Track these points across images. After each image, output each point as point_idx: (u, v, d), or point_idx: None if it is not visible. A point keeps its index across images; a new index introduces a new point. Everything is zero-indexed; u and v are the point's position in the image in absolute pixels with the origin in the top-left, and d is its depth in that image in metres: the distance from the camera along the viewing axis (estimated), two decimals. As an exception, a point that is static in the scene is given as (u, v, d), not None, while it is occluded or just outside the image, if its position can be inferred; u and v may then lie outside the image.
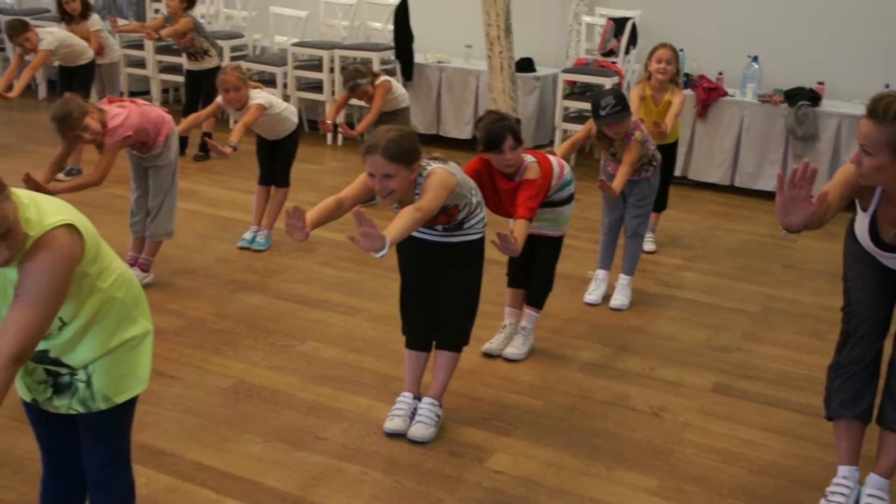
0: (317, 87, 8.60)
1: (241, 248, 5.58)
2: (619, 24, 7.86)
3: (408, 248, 3.51)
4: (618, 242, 5.01)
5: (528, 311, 4.30)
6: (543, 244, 4.16)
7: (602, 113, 4.45)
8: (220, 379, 3.95)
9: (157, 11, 9.63)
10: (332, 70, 8.36)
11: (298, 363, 4.14)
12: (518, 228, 3.66)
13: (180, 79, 8.56)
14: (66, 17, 7.52)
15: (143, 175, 4.92)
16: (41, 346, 2.20)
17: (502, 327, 4.34)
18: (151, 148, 4.78)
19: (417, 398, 3.63)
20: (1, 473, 3.22)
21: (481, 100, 7.98)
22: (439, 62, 8.33)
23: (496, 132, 3.74)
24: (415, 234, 3.39)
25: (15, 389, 2.36)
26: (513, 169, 3.83)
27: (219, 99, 5.33)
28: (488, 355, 4.25)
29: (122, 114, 4.58)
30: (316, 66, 8.53)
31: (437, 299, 3.53)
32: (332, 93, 8.38)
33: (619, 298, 4.91)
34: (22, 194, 2.07)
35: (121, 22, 7.95)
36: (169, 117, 4.89)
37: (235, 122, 5.57)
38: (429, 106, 8.37)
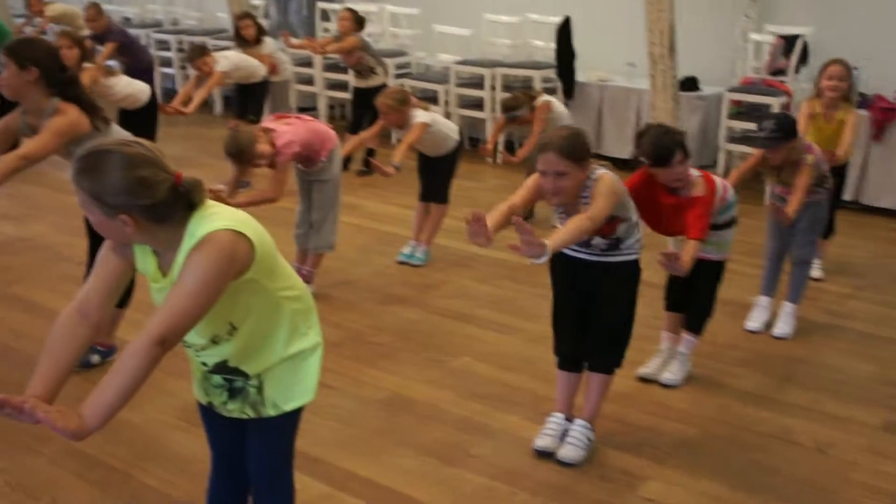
0: (478, 104, 8.68)
1: (400, 263, 5.69)
2: (788, 41, 7.59)
3: (563, 268, 3.49)
4: (782, 268, 4.83)
5: (686, 336, 4.20)
6: (704, 268, 4.04)
7: (760, 135, 4.31)
8: (375, 391, 4.04)
9: (326, 30, 9.96)
10: (493, 88, 8.43)
11: (452, 379, 4.18)
12: (689, 250, 3.58)
13: (347, 96, 8.82)
14: (241, 41, 7.91)
15: (308, 189, 5.10)
16: (219, 356, 2.31)
17: (659, 352, 4.25)
18: (315, 163, 4.95)
19: (569, 419, 3.61)
20: (169, 470, 3.39)
21: (643, 119, 7.86)
22: (601, 81, 8.27)
23: (665, 146, 3.66)
24: (570, 253, 3.37)
25: (191, 392, 2.51)
26: (681, 183, 3.75)
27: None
28: (643, 380, 4.17)
29: (289, 131, 4.77)
30: (478, 84, 8.61)
31: (590, 320, 3.49)
32: (493, 110, 8.44)
33: (783, 327, 4.72)
34: (209, 202, 2.17)
35: (292, 39, 8.27)
36: (333, 133, 5.06)
37: (398, 140, 5.69)
38: (590, 125, 8.30)
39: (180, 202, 2.08)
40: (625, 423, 3.81)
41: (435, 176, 5.72)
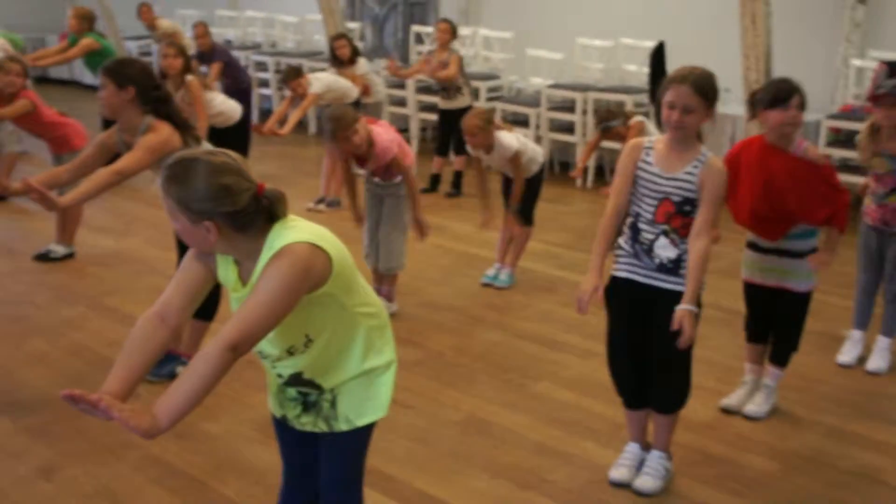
0: (569, 129, 8.65)
1: (484, 285, 5.69)
2: (892, 67, 7.35)
3: (618, 299, 3.31)
4: (875, 301, 4.65)
5: (771, 368, 4.08)
6: (788, 299, 3.91)
7: (883, 91, 4.09)
8: (452, 412, 4.03)
9: (419, 53, 10.06)
10: (584, 112, 8.38)
11: (531, 403, 4.14)
12: (833, 239, 3.64)
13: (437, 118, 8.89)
14: (336, 61, 8.05)
15: (378, 204, 5.08)
16: (295, 368, 2.34)
17: (743, 383, 4.14)
18: (394, 176, 4.97)
19: (645, 449, 3.53)
20: (246, 482, 3.44)
21: (737, 145, 7.72)
22: (695, 106, 8.13)
23: (785, 84, 3.66)
24: (635, 277, 3.26)
25: (266, 405, 2.55)
26: (791, 129, 3.67)
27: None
28: (726, 411, 4.06)
29: (384, 131, 4.85)
30: (569, 107, 8.58)
31: (647, 356, 3.33)
32: (584, 135, 8.40)
33: (877, 362, 4.55)
34: (294, 216, 2.22)
35: (402, 69, 8.39)
36: (411, 150, 5.10)
37: (488, 165, 5.70)
38: (682, 150, 8.18)
39: (262, 212, 2.14)
40: (705, 453, 3.72)
41: (519, 199, 5.70)
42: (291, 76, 7.36)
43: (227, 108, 6.89)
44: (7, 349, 4.53)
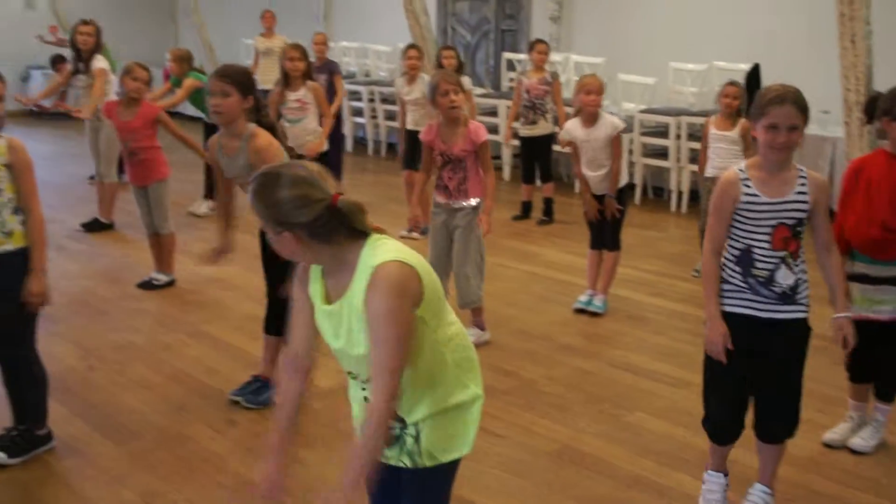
0: (662, 153, 8.55)
1: (577, 311, 5.65)
2: None
3: (740, 332, 3.16)
4: None
5: (879, 404, 3.93)
6: (894, 334, 3.78)
7: None
8: (545, 442, 4.00)
9: (510, 80, 10.09)
10: (678, 137, 8.28)
11: (624, 433, 4.08)
12: None
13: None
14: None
15: (445, 238, 5.01)
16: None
17: (847, 418, 3.99)
18: (468, 198, 4.94)
19: (725, 474, 3.43)
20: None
21: (837, 167, 7.51)
22: (792, 129, 7.95)
23: None
24: (754, 313, 3.13)
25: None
26: None
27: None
28: (830, 446, 3.93)
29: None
30: (662, 132, 8.49)
31: (751, 387, 3.23)
32: (678, 160, 8.29)
33: None
34: (384, 236, 2.25)
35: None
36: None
37: (580, 190, 5.67)
38: (779, 174, 8.01)
39: (340, 223, 2.18)
40: (808, 489, 3.60)
41: (606, 222, 5.65)
42: None
43: (315, 128, 7.01)
44: (111, 374, 4.67)
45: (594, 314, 5.58)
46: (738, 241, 3.14)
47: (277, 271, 4.02)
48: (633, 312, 5.64)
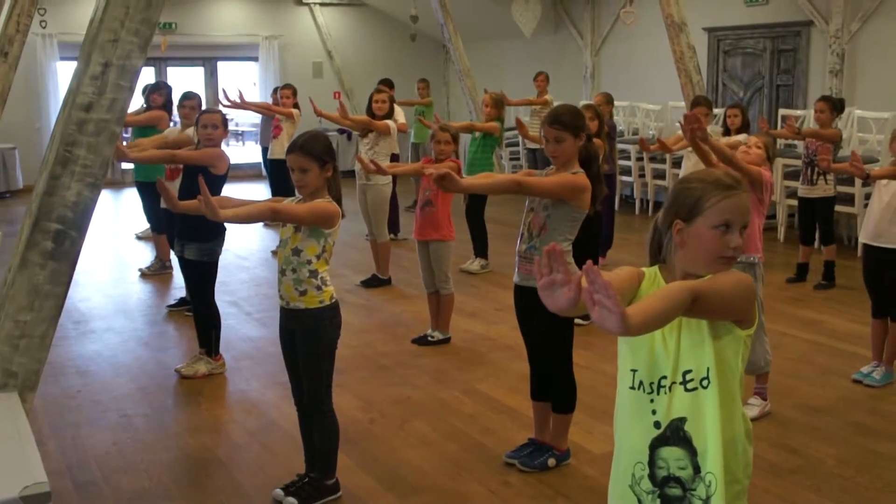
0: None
1: (854, 381, 5.32)
2: None
3: None
4: None
5: None
6: None
7: None
8: (837, 529, 3.75)
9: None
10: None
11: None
12: None
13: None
14: (725, 131, 7.97)
15: None
16: (682, 410, 2.15)
17: None
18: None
19: None
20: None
21: None
22: None
23: None
24: None
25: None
26: None
27: None
28: None
29: None
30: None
31: None
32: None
33: None
34: None
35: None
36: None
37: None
38: None
39: None
40: None
41: (886, 287, 5.27)
42: None
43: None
44: (392, 428, 4.87)
45: (870, 386, 5.20)
46: None
47: (556, 341, 4.04)
48: (931, 390, 5.20)
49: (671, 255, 2.26)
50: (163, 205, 6.06)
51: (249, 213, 3.83)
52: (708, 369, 2.13)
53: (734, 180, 2.23)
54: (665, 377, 2.17)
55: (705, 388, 2.13)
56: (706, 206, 2.18)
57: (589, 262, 1.77)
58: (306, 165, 3.77)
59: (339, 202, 3.87)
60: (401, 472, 4.33)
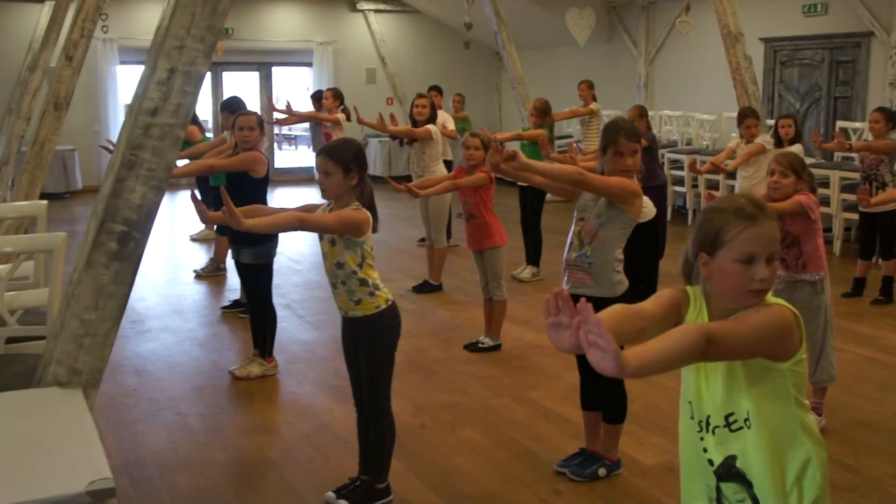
0: None
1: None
2: None
3: None
4: None
5: None
6: None
7: None
8: (894, 549, 3.69)
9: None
10: None
11: None
12: None
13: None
14: (778, 142, 7.92)
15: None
16: (731, 449, 2.16)
17: None
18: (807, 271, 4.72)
19: None
20: None
21: None
22: None
23: None
24: None
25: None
26: None
27: None
28: None
29: None
30: None
31: None
32: None
33: None
34: None
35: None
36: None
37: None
38: None
39: None
40: None
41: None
42: None
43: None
44: (443, 434, 4.88)
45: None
46: None
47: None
48: None
49: (704, 284, 2.23)
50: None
51: (275, 223, 3.86)
52: (748, 412, 2.14)
53: (757, 208, 2.15)
54: (710, 416, 2.19)
55: (749, 427, 2.14)
56: (727, 238, 2.12)
57: (583, 300, 1.79)
58: (330, 169, 3.76)
59: (371, 209, 3.84)
60: (451, 479, 4.34)
